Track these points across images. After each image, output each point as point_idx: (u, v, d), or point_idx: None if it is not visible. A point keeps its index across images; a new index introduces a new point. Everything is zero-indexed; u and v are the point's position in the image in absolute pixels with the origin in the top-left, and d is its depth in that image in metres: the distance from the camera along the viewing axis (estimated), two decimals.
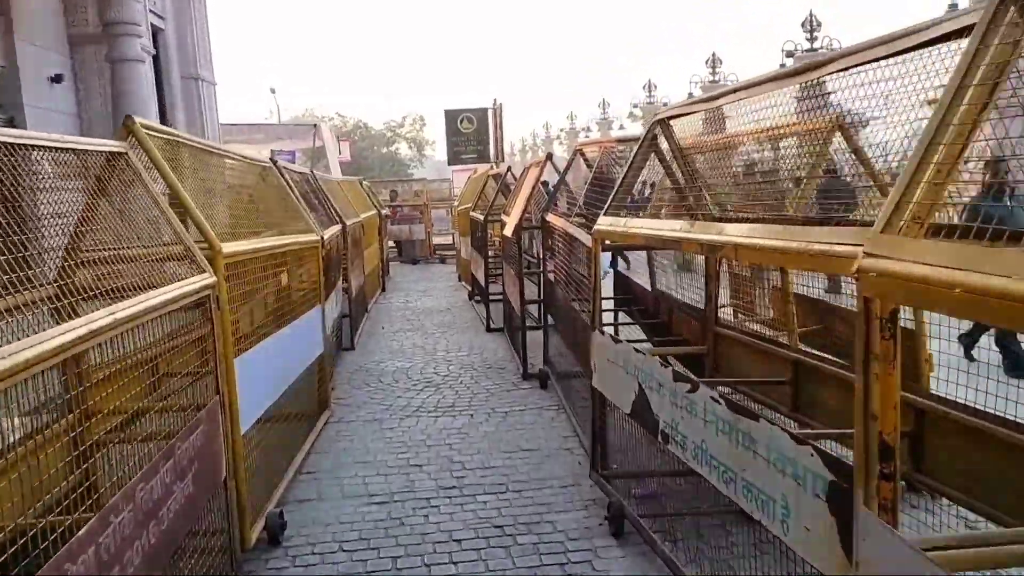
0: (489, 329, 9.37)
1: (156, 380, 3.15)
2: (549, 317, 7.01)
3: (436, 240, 19.60)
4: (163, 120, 13.68)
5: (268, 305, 4.58)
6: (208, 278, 3.32)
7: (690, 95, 39.38)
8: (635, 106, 47.11)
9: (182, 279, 3.16)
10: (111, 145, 3.26)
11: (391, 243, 18.63)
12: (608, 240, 4.42)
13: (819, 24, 32.82)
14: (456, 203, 15.54)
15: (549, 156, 7.86)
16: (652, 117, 4.54)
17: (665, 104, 49.57)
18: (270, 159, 5.91)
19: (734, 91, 3.38)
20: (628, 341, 4.59)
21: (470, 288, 12.11)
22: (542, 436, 5.46)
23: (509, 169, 9.32)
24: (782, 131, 3.17)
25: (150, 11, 12.11)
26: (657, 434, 3.44)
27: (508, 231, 7.29)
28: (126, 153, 3.27)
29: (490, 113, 18.11)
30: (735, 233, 2.80)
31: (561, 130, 60.27)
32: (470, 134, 18.71)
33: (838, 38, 26.24)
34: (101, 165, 3.22)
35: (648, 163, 5.56)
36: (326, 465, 5.03)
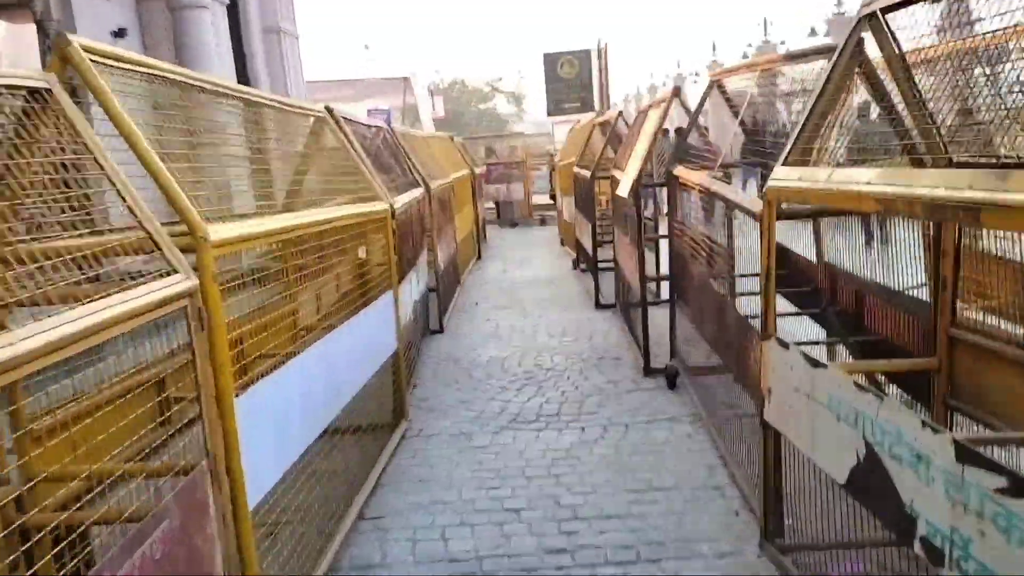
0: (599, 305, 8.00)
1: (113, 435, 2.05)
2: (677, 297, 5.58)
3: (536, 199, 18.27)
4: (242, 76, 12.90)
5: (308, 303, 3.41)
6: (181, 282, 2.12)
7: (812, 29, 35.77)
8: (750, 46, 43.78)
9: (135, 283, 1.97)
10: (29, 79, 2.10)
11: (488, 204, 17.45)
12: (791, 202, 2.97)
13: None
14: (557, 158, 14.09)
15: (677, 91, 6.01)
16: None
17: (783, 42, 45.63)
18: (325, 108, 4.70)
19: None
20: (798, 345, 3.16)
21: (574, 255, 10.74)
22: (679, 465, 4.10)
23: (620, 115, 7.79)
24: None
25: None
26: (913, 539, 2.03)
27: (623, 190, 5.86)
28: (49, 90, 2.10)
29: (594, 55, 16.33)
30: None
31: (667, 76, 57.11)
32: (571, 79, 17.02)
33: None
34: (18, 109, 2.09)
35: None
36: (397, 504, 3.87)
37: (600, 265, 8.17)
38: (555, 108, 17.95)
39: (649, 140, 5.59)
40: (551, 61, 17.16)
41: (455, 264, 9.15)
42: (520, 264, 11.58)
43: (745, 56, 46.30)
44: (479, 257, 12.29)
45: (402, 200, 5.48)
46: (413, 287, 5.98)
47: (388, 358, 4.53)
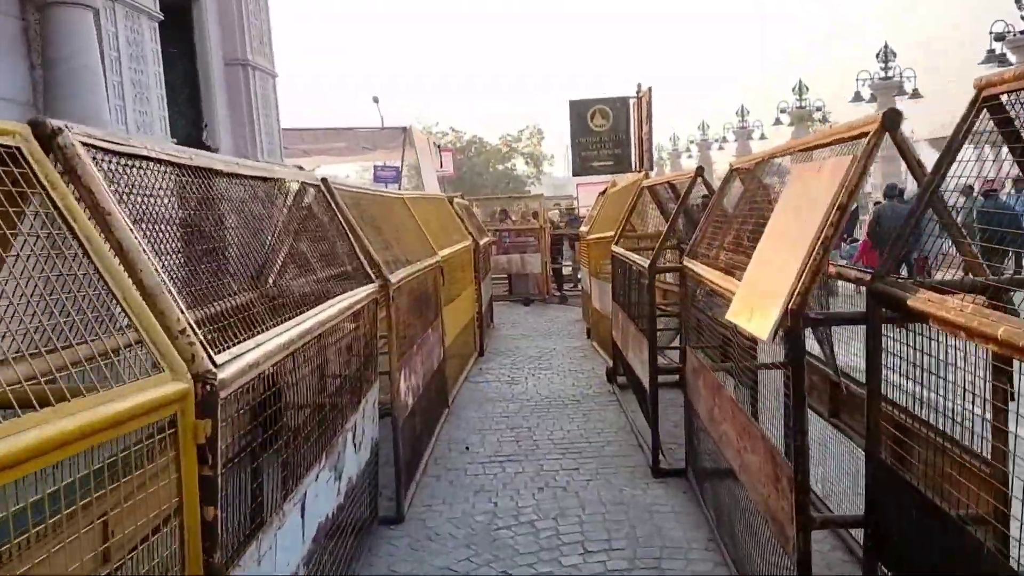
0: (659, 471, 5.03)
1: None
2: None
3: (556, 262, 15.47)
4: (197, 118, 10.35)
5: None
6: None
7: (857, 94, 33.55)
8: (783, 111, 41.38)
9: None
10: None
11: (500, 274, 14.65)
12: None
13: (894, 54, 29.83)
14: (585, 227, 11.28)
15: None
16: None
17: (819, 109, 43.42)
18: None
19: None
20: None
21: (609, 362, 7.81)
22: None
23: (700, 174, 4.94)
24: None
25: None
26: None
27: (762, 329, 3.02)
28: None
29: (632, 105, 13.64)
30: None
31: (691, 141, 55.07)
32: (604, 133, 14.22)
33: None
34: None
35: None
36: None
37: (662, 385, 5.23)
38: (582, 166, 15.00)
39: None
40: (579, 111, 14.31)
41: (436, 387, 6.25)
42: (535, 367, 8.64)
43: (778, 122, 43.99)
44: (481, 353, 9.39)
45: (310, 322, 2.65)
46: (343, 464, 3.11)
47: None
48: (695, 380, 4.47)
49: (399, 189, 14.66)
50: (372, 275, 4.13)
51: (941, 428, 2.21)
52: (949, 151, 2.17)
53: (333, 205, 4.06)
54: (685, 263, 4.60)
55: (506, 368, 8.65)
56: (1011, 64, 19.82)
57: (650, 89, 12.24)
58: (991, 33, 21.88)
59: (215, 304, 2.30)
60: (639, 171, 12.04)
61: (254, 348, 2.14)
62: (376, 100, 19.70)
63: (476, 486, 4.97)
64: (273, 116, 11.63)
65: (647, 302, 5.07)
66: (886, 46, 31.77)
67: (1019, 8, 19.00)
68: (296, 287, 3.36)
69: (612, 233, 7.67)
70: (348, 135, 14.01)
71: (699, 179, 4.86)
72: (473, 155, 46.32)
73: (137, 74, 7.79)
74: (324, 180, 4.13)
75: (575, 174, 15.32)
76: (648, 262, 5.00)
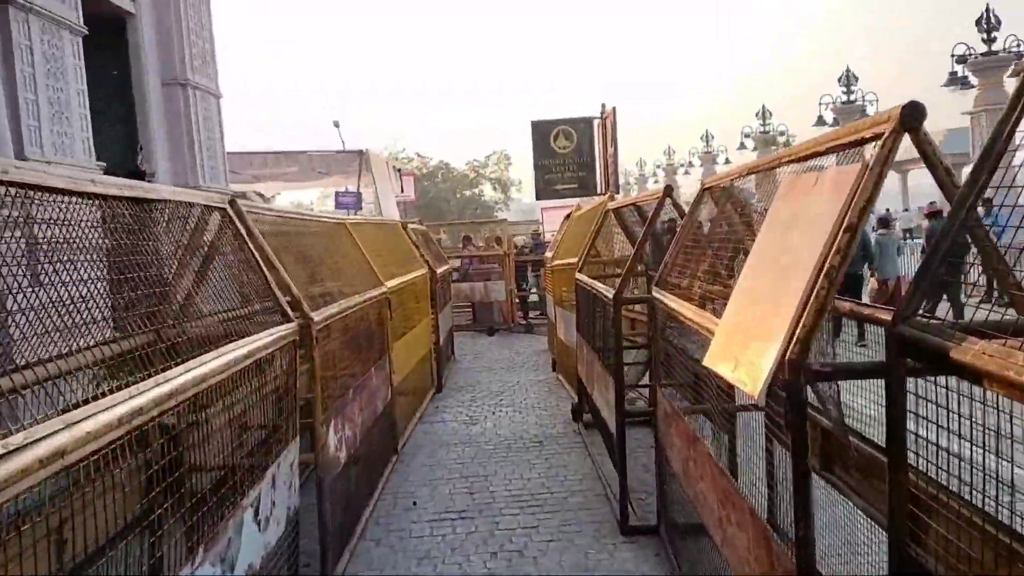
0: (628, 529, 4.44)
1: None
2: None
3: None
4: (131, 142, 9.68)
5: None
6: None
7: (820, 118, 33.83)
8: (747, 136, 41.62)
9: None
10: None
11: (463, 303, 14.05)
12: None
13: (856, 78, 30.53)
14: (549, 252, 10.76)
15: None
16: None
17: (782, 134, 43.81)
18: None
19: None
20: None
21: (574, 398, 7.24)
22: None
23: (668, 193, 4.42)
24: None
25: None
26: None
27: (754, 384, 2.48)
28: None
29: (596, 125, 13.18)
30: None
31: (657, 166, 55.29)
32: (568, 155, 13.69)
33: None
34: None
35: None
36: None
37: (631, 424, 4.65)
38: (546, 190, 14.41)
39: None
40: (542, 132, 13.78)
41: (381, 433, 5.61)
42: (496, 403, 8.03)
43: (742, 146, 44.26)
44: (439, 389, 8.76)
45: (169, 387, 2.05)
46: (237, 551, 2.48)
47: None
48: (667, 426, 3.92)
49: (358, 215, 14.05)
50: (290, 314, 3.52)
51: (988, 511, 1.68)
52: (988, 157, 1.65)
53: (242, 232, 3.46)
54: (654, 293, 4.07)
55: (465, 405, 8.02)
56: (973, 87, 19.86)
57: (614, 109, 11.79)
58: (952, 56, 22.03)
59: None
60: (604, 194, 11.59)
61: (61, 430, 1.54)
62: (337, 124, 19.10)
63: (421, 551, 4.34)
64: (217, 139, 10.98)
65: (613, 336, 4.52)
66: (848, 70, 32.16)
67: (979, 31, 19.13)
68: (193, 331, 2.78)
69: (576, 260, 7.16)
70: (301, 159, 13.36)
71: (667, 199, 4.35)
72: (439, 181, 45.89)
73: (56, 92, 7.14)
74: (232, 201, 3.54)
75: (538, 197, 14.73)
76: (613, 292, 4.45)
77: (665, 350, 4.23)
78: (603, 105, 12.23)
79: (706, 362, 2.52)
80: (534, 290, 16.45)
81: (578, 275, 6.67)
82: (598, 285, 5.13)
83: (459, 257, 13.51)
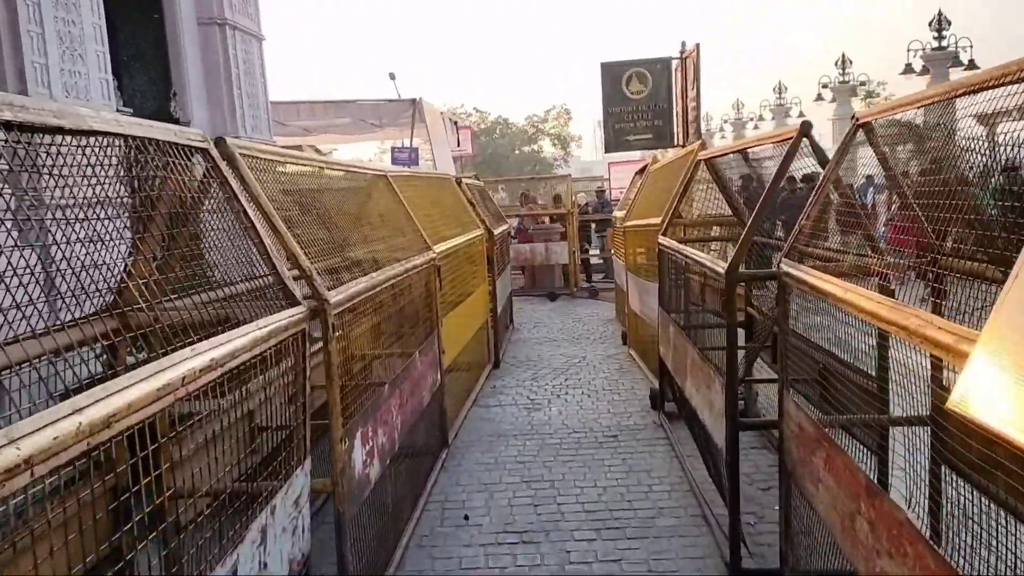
0: (740, 573, 3.44)
1: None
2: None
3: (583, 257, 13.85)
4: (168, 88, 8.91)
5: None
6: None
7: (907, 66, 31.34)
8: (824, 86, 38.91)
9: None
10: None
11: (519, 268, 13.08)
12: None
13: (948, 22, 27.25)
14: (620, 212, 9.63)
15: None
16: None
17: (863, 84, 41.02)
18: None
19: None
20: None
21: (655, 384, 6.21)
22: None
23: (805, 133, 3.29)
24: None
25: None
26: None
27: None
28: None
29: (674, 67, 11.74)
30: None
31: (724, 120, 52.76)
32: (641, 101, 12.26)
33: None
34: None
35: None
36: None
37: (745, 426, 3.63)
38: (616, 141, 12.97)
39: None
40: (612, 76, 12.26)
41: (428, 428, 4.72)
42: (561, 384, 7.07)
43: (819, 98, 41.63)
44: (496, 365, 7.84)
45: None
46: None
47: None
48: (806, 452, 2.88)
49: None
50: (296, 295, 2.58)
51: None
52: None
53: (231, 183, 2.52)
54: (787, 268, 3.00)
55: (525, 386, 7.08)
56: None
57: (697, 47, 10.35)
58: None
59: None
60: (682, 146, 10.32)
61: None
62: (393, 77, 18.01)
63: None
64: (259, 85, 10.13)
65: (723, 322, 3.46)
66: (940, 13, 29.49)
67: None
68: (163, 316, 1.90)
69: (658, 220, 6.07)
70: (351, 108, 12.42)
71: (803, 140, 3.23)
72: (498, 136, 44.68)
73: (66, 25, 6.30)
74: (220, 141, 2.59)
75: (608, 150, 13.35)
76: (725, 265, 3.38)
77: (797, 345, 3.17)
78: (683, 43, 10.81)
79: (955, 405, 1.47)
80: (598, 251, 15.35)
81: (662, 239, 5.60)
82: (698, 254, 4.05)
83: (517, 216, 12.44)
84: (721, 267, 3.41)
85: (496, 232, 8.18)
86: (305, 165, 3.46)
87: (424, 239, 4.99)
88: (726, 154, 4.84)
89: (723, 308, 3.38)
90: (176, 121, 8.55)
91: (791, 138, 3.27)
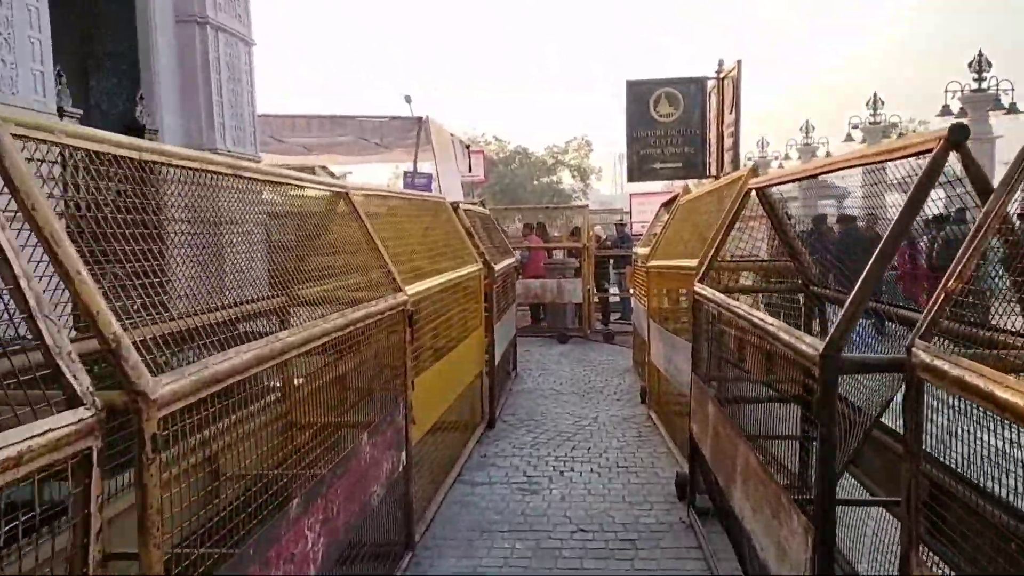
0: None
1: None
2: None
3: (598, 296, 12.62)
4: (134, 88, 7.89)
5: None
6: None
7: (945, 107, 30.24)
8: (855, 127, 37.73)
9: None
10: None
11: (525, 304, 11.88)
12: None
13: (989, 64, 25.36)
14: (643, 248, 8.44)
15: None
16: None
17: (895, 125, 39.95)
18: None
19: None
20: None
21: (683, 468, 4.97)
22: None
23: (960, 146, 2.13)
24: None
25: None
26: None
27: None
28: None
29: (710, 88, 10.54)
30: None
31: (748, 158, 51.66)
32: (671, 124, 11.02)
33: None
34: None
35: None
36: None
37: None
38: (640, 169, 11.61)
39: None
40: (638, 95, 10.97)
41: (375, 530, 3.51)
42: (566, 455, 5.83)
43: (849, 138, 40.48)
44: (490, 424, 6.63)
45: None
46: None
47: None
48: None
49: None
50: (75, 385, 1.42)
51: None
52: None
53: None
54: (924, 357, 1.80)
55: (523, 455, 5.85)
56: None
57: (739, 64, 9.14)
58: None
59: None
60: (716, 177, 9.14)
61: None
62: (409, 100, 16.98)
63: None
64: (245, 95, 9.09)
65: (820, 436, 2.24)
66: (980, 54, 28.36)
67: None
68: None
69: (692, 263, 4.90)
70: (351, 125, 11.39)
71: (952, 154, 2.06)
72: (516, 166, 43.79)
73: None
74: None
75: (631, 178, 12.04)
76: (818, 343, 2.17)
77: (943, 483, 1.96)
78: (720, 61, 9.63)
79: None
80: (615, 289, 14.13)
81: (699, 287, 4.41)
82: (765, 318, 2.83)
83: (517, 248, 11.23)
84: (812, 347, 2.20)
85: (498, 267, 7.00)
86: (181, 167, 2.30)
87: (394, 277, 3.83)
88: (796, 180, 3.66)
89: (816, 412, 2.17)
90: (142, 128, 7.53)
91: (930, 150, 2.08)
